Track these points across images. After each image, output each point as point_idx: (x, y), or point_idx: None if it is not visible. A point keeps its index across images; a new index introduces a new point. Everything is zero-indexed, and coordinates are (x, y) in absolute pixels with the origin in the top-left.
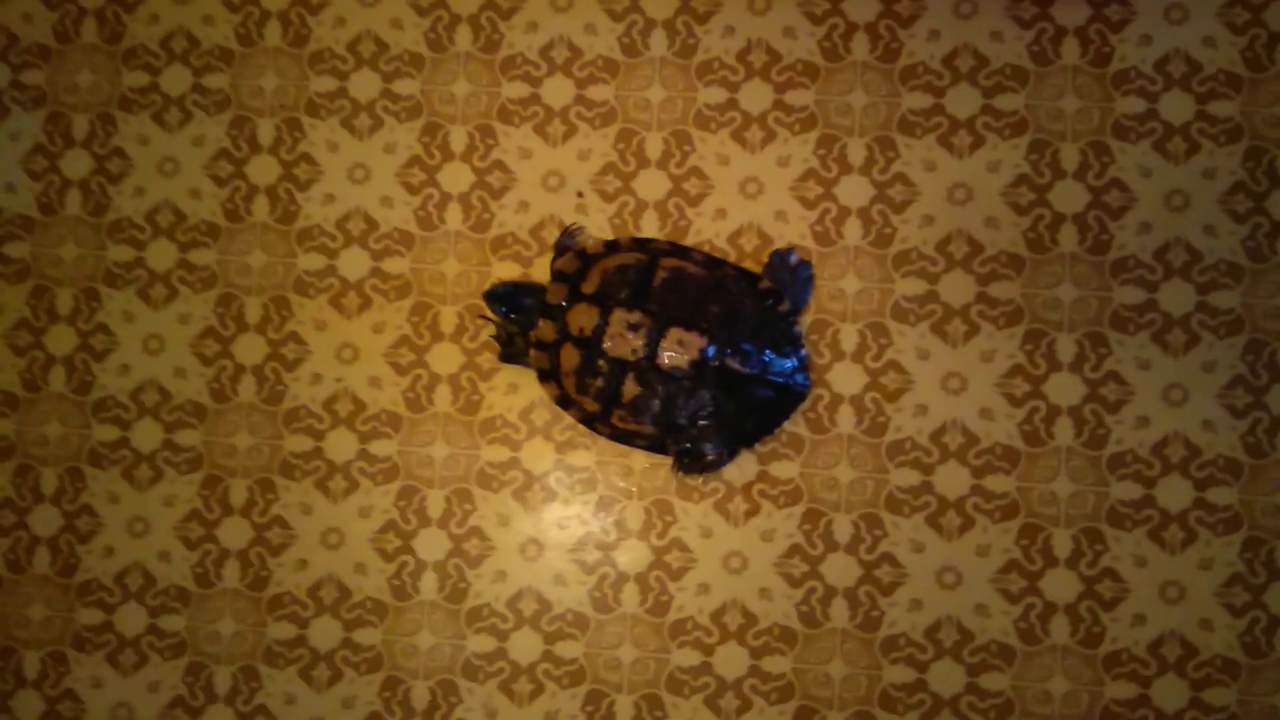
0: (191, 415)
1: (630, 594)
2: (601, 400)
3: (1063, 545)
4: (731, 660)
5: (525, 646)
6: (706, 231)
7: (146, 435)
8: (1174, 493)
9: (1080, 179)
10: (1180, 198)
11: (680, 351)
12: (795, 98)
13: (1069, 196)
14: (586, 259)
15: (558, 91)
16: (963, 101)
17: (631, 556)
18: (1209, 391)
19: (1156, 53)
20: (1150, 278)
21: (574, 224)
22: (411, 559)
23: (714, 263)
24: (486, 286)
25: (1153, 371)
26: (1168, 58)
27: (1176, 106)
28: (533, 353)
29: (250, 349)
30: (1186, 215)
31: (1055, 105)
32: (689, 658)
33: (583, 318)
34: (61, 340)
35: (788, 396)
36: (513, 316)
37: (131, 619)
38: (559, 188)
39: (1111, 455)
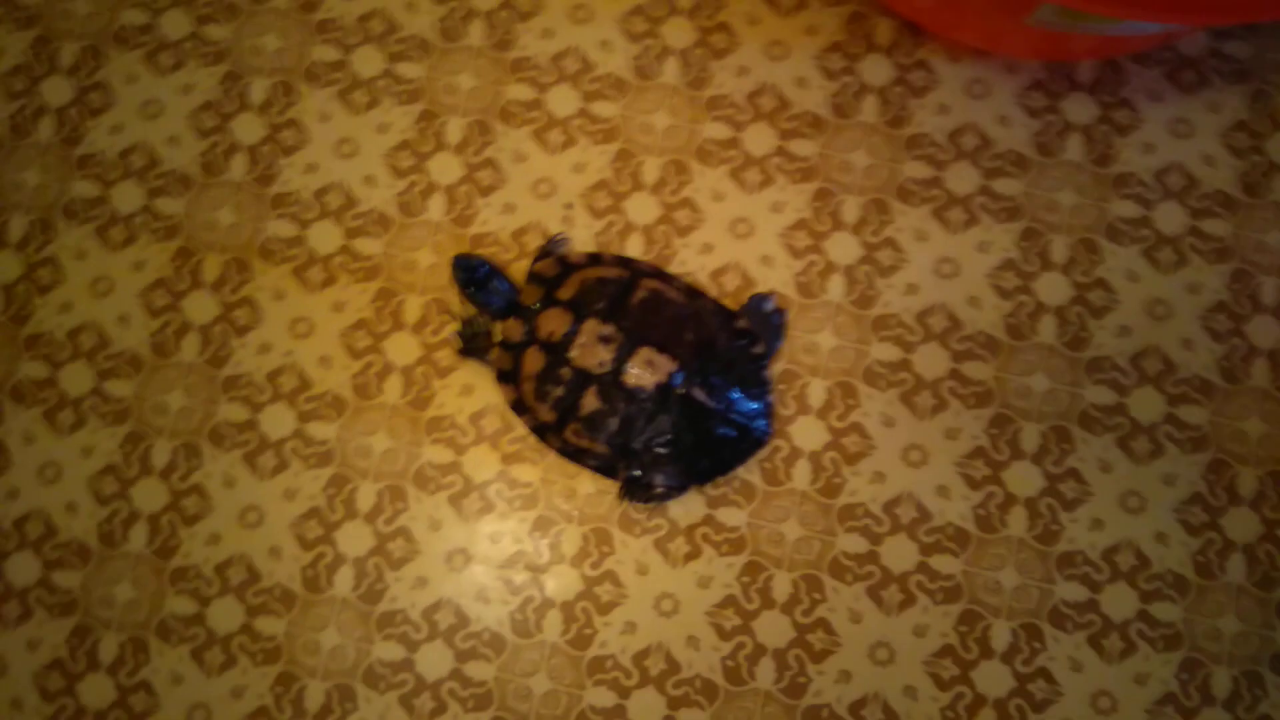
0: (128, 365)
1: (553, 622)
2: (559, 410)
3: (1000, 637)
4: (646, 708)
5: (434, 661)
6: (691, 263)
7: (76, 379)
8: (1119, 601)
9: (1067, 273)
10: (1163, 307)
11: (648, 371)
12: (799, 147)
13: (1054, 288)
14: (567, 266)
15: (563, 101)
16: (962, 179)
17: (561, 583)
18: (1167, 504)
19: (1157, 163)
20: (1123, 381)
21: (560, 233)
22: (331, 551)
23: (694, 293)
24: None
25: (1113, 475)
26: (1168, 169)
27: (1170, 218)
28: (495, 351)
29: (201, 307)
30: (1167, 325)
31: (1052, 197)
32: (603, 698)
33: (554, 322)
34: (6, 267)
35: (747, 440)
36: (470, 291)
37: (24, 569)
38: (549, 196)
39: (1062, 553)
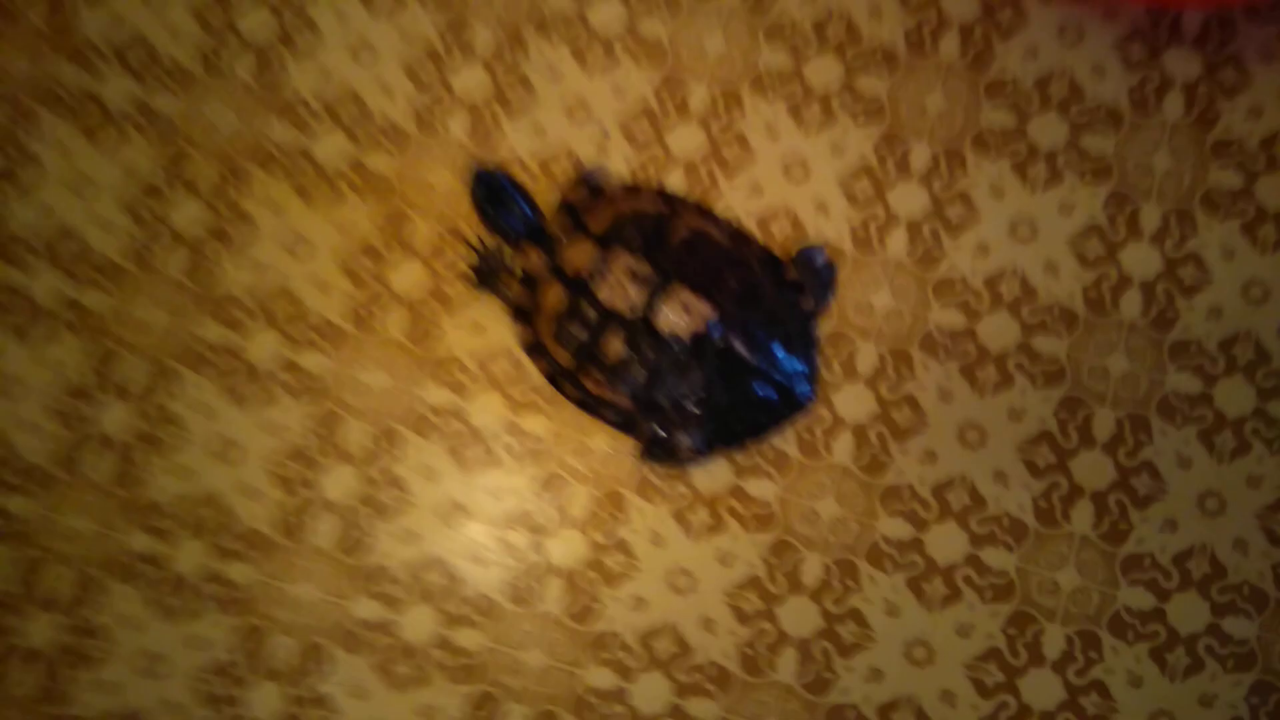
0: (107, 277)
1: (555, 591)
2: (579, 355)
3: (1054, 644)
4: (652, 693)
5: (419, 625)
6: (736, 207)
7: (48, 287)
8: (1188, 612)
9: (1157, 244)
10: (1259, 289)
11: (684, 318)
12: (867, 85)
13: (1141, 260)
14: (601, 196)
15: (608, 16)
16: (1048, 131)
17: (567, 549)
18: (1249, 509)
19: (1264, 130)
20: (1210, 369)
21: (598, 165)
22: (314, 495)
23: (741, 238)
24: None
25: (1192, 472)
26: (1276, 138)
27: (1275, 192)
28: (511, 284)
29: (192, 218)
30: (1263, 310)
31: (1146, 159)
32: (604, 678)
33: (582, 256)
34: None
35: (788, 404)
36: (488, 210)
37: None
38: (584, 121)
39: (1128, 555)
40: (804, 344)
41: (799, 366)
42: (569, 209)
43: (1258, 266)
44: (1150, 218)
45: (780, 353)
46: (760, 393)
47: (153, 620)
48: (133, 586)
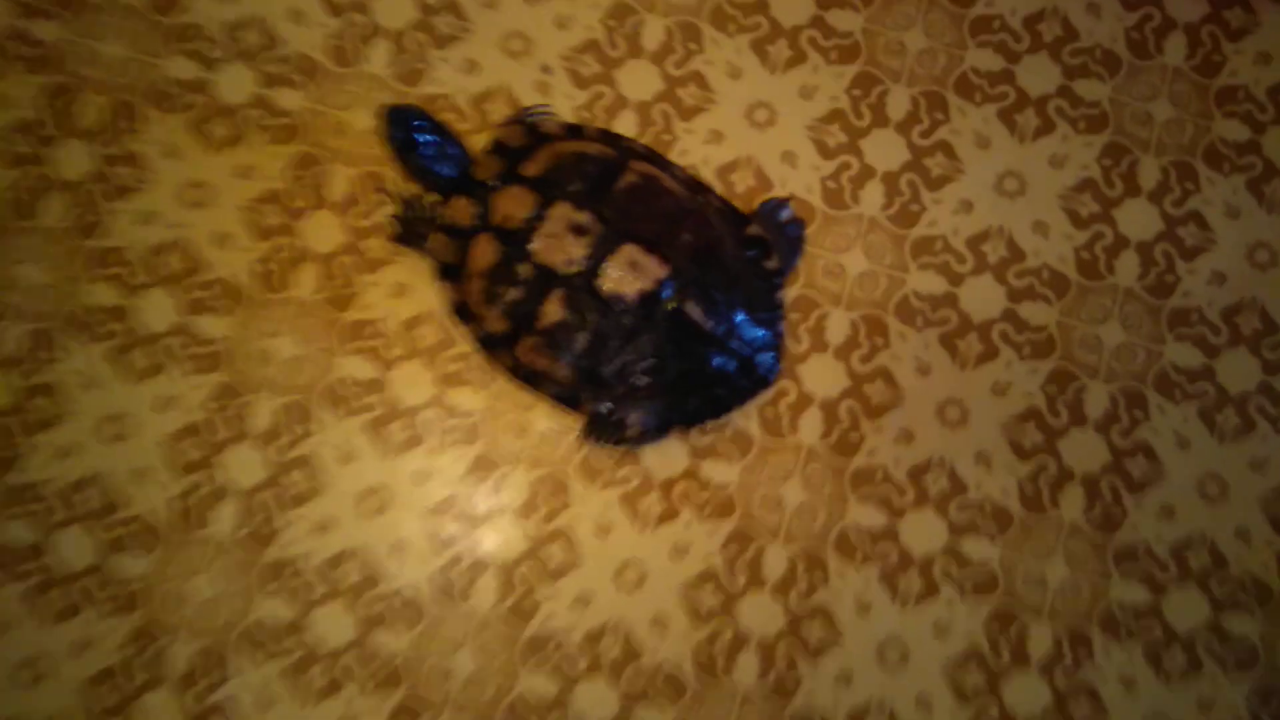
0: None
1: (487, 587)
2: (513, 319)
3: (1040, 643)
4: (595, 701)
5: (332, 627)
6: (694, 154)
7: None
8: (1185, 608)
9: (1155, 201)
10: (1266, 253)
11: (631, 275)
12: (840, 19)
13: (1138, 219)
14: (538, 137)
15: None
16: (1038, 75)
17: (500, 539)
18: (1251, 493)
19: (1273, 77)
20: (1213, 340)
21: (539, 105)
22: (210, 480)
23: (697, 186)
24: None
25: (1191, 453)
26: None
27: None
28: (435, 237)
29: (72, 160)
30: (1270, 275)
31: (1144, 108)
32: (542, 686)
33: (514, 204)
34: None
35: (749, 377)
36: (407, 155)
37: None
38: (521, 55)
39: (1122, 545)
40: (768, 309)
41: (761, 334)
42: (501, 150)
43: (1265, 227)
44: (1149, 172)
45: (740, 318)
46: (718, 364)
47: (26, 621)
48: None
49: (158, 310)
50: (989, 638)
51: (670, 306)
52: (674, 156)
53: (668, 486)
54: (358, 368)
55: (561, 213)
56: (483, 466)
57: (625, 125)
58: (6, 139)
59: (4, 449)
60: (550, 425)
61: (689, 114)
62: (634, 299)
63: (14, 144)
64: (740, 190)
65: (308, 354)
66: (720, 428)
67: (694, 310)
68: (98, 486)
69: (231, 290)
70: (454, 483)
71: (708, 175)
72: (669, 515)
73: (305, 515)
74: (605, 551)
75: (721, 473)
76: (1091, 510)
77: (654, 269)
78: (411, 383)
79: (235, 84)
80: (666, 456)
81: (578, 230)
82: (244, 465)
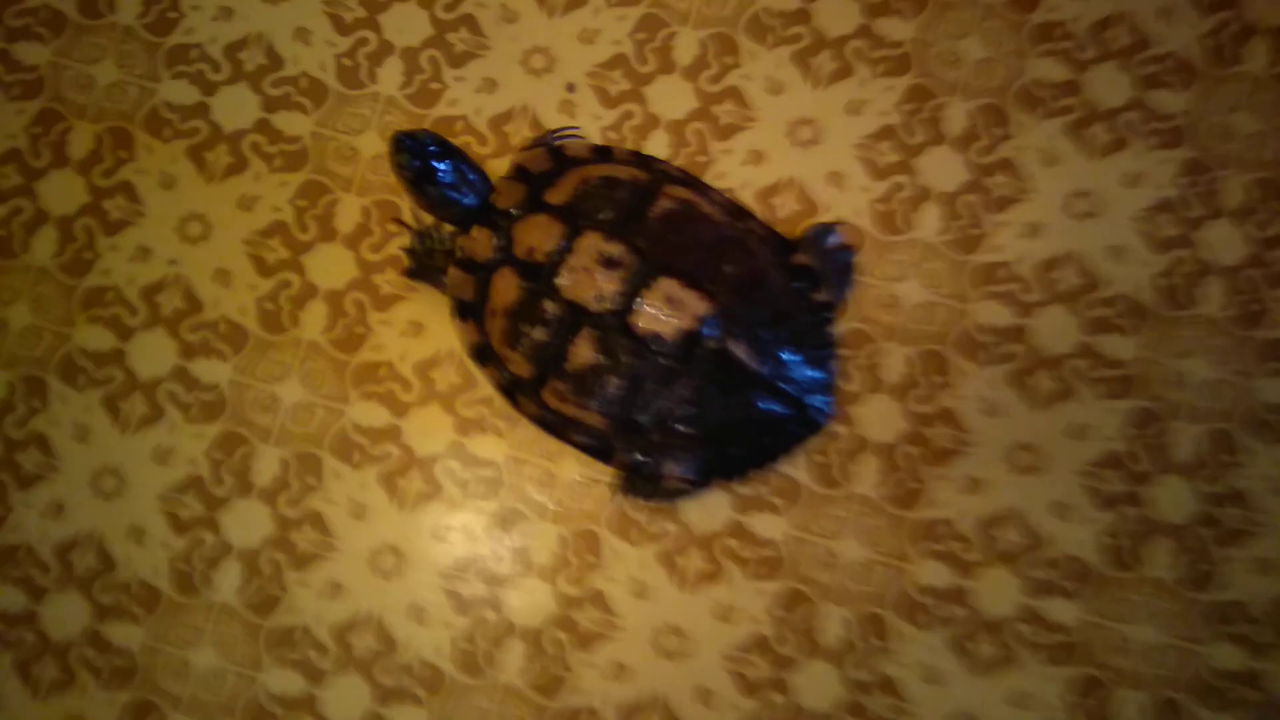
0: None
1: (514, 655)
2: (538, 361)
3: (1126, 712)
4: None
5: (345, 700)
6: (732, 177)
7: None
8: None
9: (1239, 223)
10: None
11: (669, 313)
12: (889, 28)
13: (1223, 243)
14: (563, 161)
15: None
16: (1108, 86)
17: (528, 602)
18: None
19: None
20: None
21: (565, 127)
22: (212, 537)
23: (738, 212)
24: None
25: None
26: None
27: None
28: (453, 272)
29: (63, 192)
30: None
31: (1224, 121)
32: None
33: (538, 234)
34: None
35: (799, 421)
36: (418, 184)
37: None
38: (543, 72)
39: (1211, 602)
40: (818, 346)
41: (813, 375)
42: (524, 176)
43: None
44: (1233, 191)
45: (790, 356)
46: (765, 408)
47: (19, 695)
48: None
49: (154, 353)
50: (1066, 706)
51: (713, 346)
52: (711, 179)
53: (710, 542)
54: (370, 414)
55: (591, 244)
56: (506, 521)
57: (657, 146)
58: None
59: None
60: (580, 475)
61: (726, 133)
62: (673, 338)
63: (2, 176)
64: (783, 215)
65: (315, 400)
66: (767, 477)
67: (739, 349)
68: (92, 546)
69: (234, 331)
70: (476, 539)
71: (748, 199)
72: (712, 574)
73: (314, 577)
74: (643, 614)
75: (770, 527)
76: (1176, 568)
77: (694, 305)
78: (427, 430)
79: (237, 108)
80: (707, 509)
81: (609, 263)
82: (247, 522)
